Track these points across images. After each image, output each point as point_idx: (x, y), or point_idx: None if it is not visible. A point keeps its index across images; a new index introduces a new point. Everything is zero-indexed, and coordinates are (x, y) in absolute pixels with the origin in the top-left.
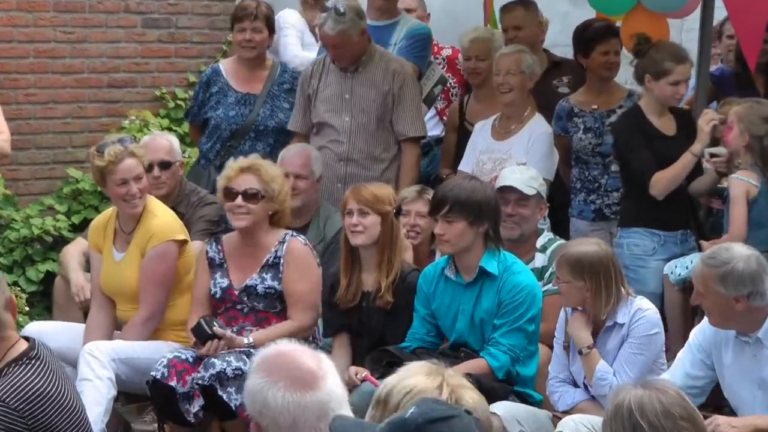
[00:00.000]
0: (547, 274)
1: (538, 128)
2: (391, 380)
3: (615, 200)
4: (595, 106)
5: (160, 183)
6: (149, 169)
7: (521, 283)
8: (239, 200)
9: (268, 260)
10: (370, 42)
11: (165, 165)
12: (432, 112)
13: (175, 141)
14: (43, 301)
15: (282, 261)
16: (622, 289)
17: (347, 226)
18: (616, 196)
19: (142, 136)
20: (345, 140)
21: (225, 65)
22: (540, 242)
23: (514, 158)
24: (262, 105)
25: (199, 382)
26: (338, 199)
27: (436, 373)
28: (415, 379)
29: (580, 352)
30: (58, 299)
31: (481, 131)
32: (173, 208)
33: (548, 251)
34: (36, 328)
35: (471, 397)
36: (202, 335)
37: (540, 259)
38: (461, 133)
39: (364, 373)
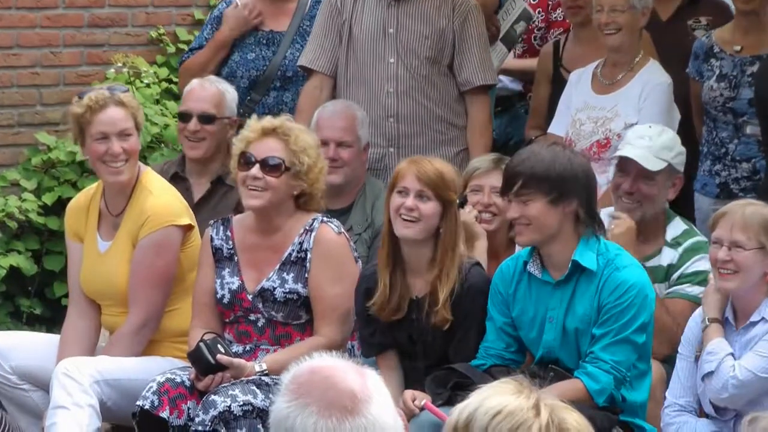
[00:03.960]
0: (675, 275)
1: (653, 78)
2: (469, 403)
3: (745, 173)
4: (738, 48)
5: (198, 139)
6: (186, 118)
7: (628, 281)
8: (255, 170)
9: (290, 255)
10: None
11: (207, 119)
12: (510, 57)
13: (230, 92)
14: (6, 305)
15: (309, 256)
16: None
17: (395, 208)
18: (747, 167)
19: (133, 89)
20: (393, 89)
21: None
22: (671, 234)
23: (621, 117)
24: (289, 45)
25: (199, 428)
26: (391, 169)
27: (527, 390)
28: (504, 398)
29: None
30: None
31: (578, 83)
32: (218, 180)
33: (681, 248)
34: None
35: (576, 420)
36: (202, 364)
37: (668, 255)
38: (556, 84)
39: (423, 400)
